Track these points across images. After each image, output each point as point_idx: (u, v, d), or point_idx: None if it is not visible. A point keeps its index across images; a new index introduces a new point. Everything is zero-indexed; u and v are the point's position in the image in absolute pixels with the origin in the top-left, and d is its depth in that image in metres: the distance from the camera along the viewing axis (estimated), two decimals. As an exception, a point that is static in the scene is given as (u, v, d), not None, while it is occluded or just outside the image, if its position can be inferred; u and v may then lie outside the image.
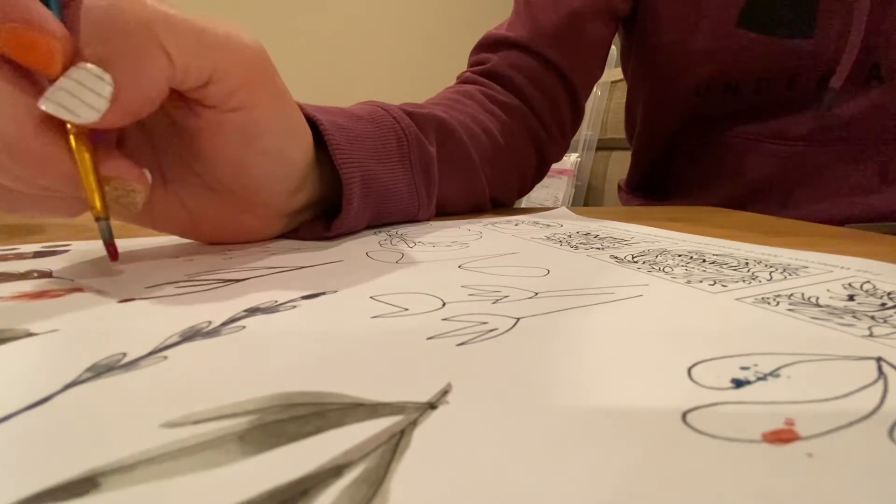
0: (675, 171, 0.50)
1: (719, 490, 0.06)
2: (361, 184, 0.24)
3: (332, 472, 0.07)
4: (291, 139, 0.21)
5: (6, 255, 0.21)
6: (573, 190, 1.51)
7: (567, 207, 0.39)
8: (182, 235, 0.22)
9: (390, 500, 0.06)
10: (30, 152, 0.14)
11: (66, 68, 0.14)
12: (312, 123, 0.23)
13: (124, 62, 0.14)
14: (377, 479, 0.06)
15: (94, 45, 0.14)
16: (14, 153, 0.14)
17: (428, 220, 0.31)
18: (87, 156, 0.15)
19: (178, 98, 0.17)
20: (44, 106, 0.14)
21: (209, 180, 0.20)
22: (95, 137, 0.15)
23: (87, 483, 0.06)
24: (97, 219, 0.16)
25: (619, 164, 1.44)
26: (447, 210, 0.34)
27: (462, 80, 0.43)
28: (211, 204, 0.21)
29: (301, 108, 0.23)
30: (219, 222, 0.22)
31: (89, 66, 0.14)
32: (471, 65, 0.44)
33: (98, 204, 0.15)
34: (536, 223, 0.31)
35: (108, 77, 0.14)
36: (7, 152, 0.14)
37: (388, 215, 0.28)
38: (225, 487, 0.06)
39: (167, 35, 0.15)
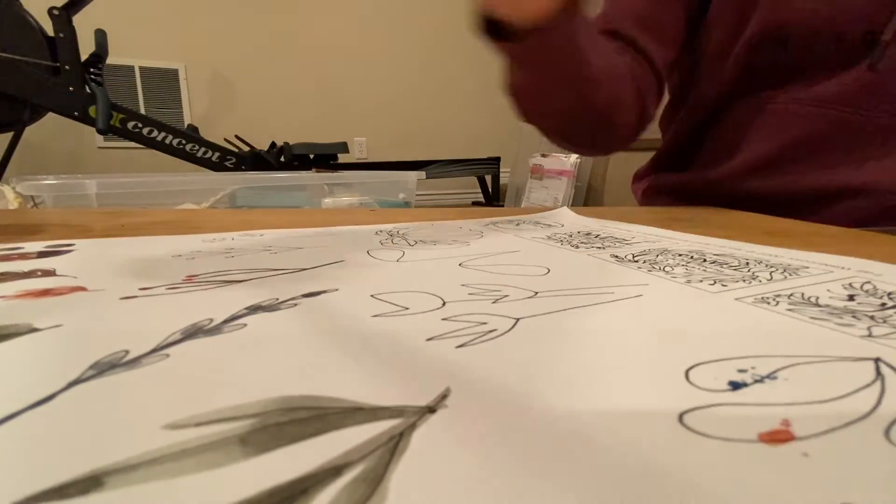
0: (705, 141, 0.51)
1: (715, 489, 0.06)
2: None
3: (332, 471, 0.07)
4: None
5: (10, 254, 0.21)
6: (573, 190, 1.52)
7: (568, 208, 0.39)
8: None
9: (388, 498, 0.06)
10: None
11: None
12: None
13: None
14: (376, 479, 0.06)
15: None
16: None
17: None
18: None
19: None
20: None
21: None
22: None
23: (92, 482, 0.06)
24: None
25: (619, 164, 1.44)
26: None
27: None
28: None
29: None
30: None
31: None
32: None
33: None
34: (538, 223, 0.31)
35: None
36: None
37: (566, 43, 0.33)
38: (226, 486, 0.06)
39: None
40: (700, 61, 0.51)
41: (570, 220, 0.32)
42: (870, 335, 0.12)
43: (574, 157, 1.54)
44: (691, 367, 0.10)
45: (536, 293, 0.15)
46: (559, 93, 0.39)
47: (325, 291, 0.15)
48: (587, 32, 0.36)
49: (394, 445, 0.07)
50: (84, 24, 1.66)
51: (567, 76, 0.37)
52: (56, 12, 1.55)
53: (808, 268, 0.18)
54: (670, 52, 0.47)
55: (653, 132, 0.60)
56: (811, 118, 0.43)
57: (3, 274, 0.17)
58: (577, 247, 0.23)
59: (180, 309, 0.14)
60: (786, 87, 0.44)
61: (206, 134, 2.05)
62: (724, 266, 0.19)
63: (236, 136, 2.10)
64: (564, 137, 0.44)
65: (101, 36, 1.71)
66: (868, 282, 0.16)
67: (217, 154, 1.94)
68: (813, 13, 0.41)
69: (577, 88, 0.38)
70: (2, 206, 0.63)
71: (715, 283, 0.16)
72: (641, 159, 0.61)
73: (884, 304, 0.14)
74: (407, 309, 0.14)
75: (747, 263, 0.19)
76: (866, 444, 0.07)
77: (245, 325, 0.12)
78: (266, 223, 0.31)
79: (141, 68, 2.38)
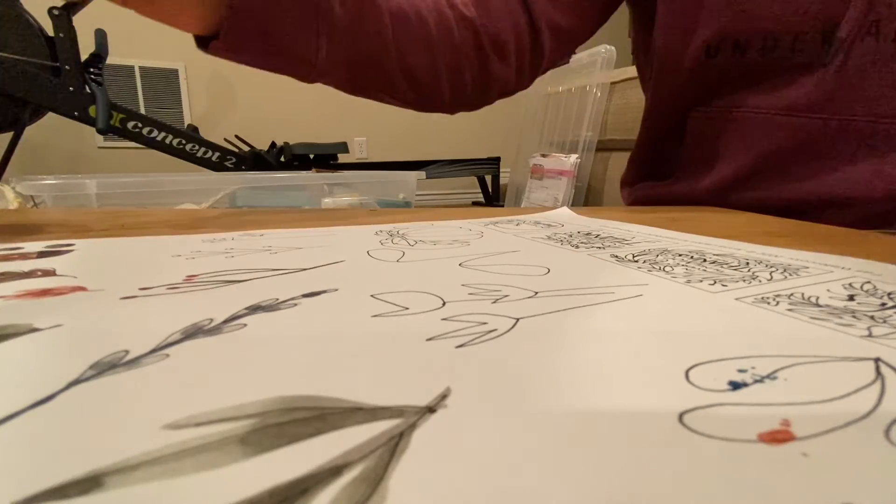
0: (682, 151, 0.50)
1: (715, 489, 0.06)
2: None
3: (332, 471, 0.07)
4: None
5: (10, 254, 0.21)
6: (573, 191, 1.52)
7: (568, 208, 0.39)
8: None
9: (389, 498, 0.06)
10: None
11: None
12: None
13: None
14: (376, 479, 0.06)
15: None
16: None
17: (326, 77, 0.38)
18: None
19: None
20: None
21: None
22: None
23: (91, 482, 0.06)
24: None
25: (619, 165, 1.44)
26: (354, 77, 0.39)
27: None
28: None
29: None
30: None
31: None
32: None
33: None
34: (538, 223, 0.31)
35: None
36: None
37: (279, 48, 0.33)
38: (226, 487, 0.06)
39: None
40: (655, 65, 0.50)
41: (570, 220, 0.32)
42: (870, 335, 0.12)
43: (574, 157, 1.55)
44: (691, 367, 0.10)
45: (536, 293, 0.15)
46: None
47: (325, 291, 0.15)
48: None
49: (394, 445, 0.07)
50: (84, 24, 1.65)
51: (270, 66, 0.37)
52: (56, 12, 1.55)
53: (808, 268, 0.18)
54: (560, 16, 0.45)
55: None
56: (780, 128, 0.42)
57: (2, 274, 0.17)
58: (577, 247, 0.23)
59: (180, 309, 0.14)
60: (749, 94, 0.44)
61: (206, 134, 2.05)
62: (724, 266, 0.19)
63: (236, 136, 2.10)
64: (372, 96, 0.44)
65: (101, 36, 1.70)
66: (868, 282, 0.16)
67: (217, 154, 1.94)
68: (769, 16, 0.40)
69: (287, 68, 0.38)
70: (2, 206, 0.63)
71: (715, 283, 0.16)
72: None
73: (884, 304, 0.14)
74: (407, 309, 0.14)
75: (747, 263, 0.19)
76: (866, 444, 0.07)
77: (245, 325, 0.12)
78: (266, 223, 0.31)
79: (141, 68, 2.38)
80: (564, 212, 0.36)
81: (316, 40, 0.34)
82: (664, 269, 0.18)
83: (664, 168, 0.53)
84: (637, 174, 0.57)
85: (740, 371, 0.10)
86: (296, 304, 0.14)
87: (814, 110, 0.41)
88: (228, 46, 0.32)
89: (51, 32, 1.59)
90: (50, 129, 2.07)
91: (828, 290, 0.15)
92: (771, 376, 0.09)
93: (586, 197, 1.55)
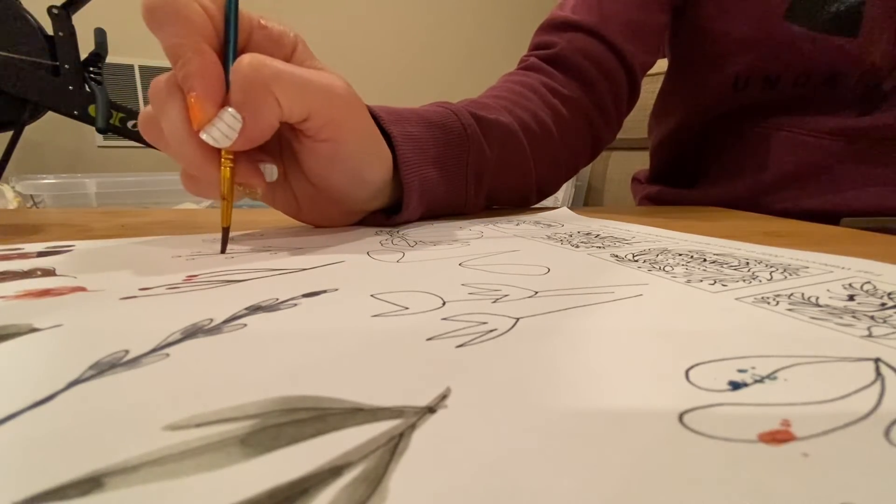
0: (703, 160, 0.51)
1: (715, 489, 0.06)
2: (420, 188, 0.30)
3: (332, 472, 0.07)
4: (368, 165, 0.26)
5: (10, 254, 0.21)
6: (573, 190, 1.51)
7: (567, 208, 0.39)
8: (289, 215, 0.29)
9: (388, 498, 0.06)
10: (196, 164, 0.21)
11: (221, 107, 0.21)
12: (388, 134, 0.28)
13: (250, 108, 0.21)
14: (376, 479, 0.06)
15: (236, 95, 0.21)
16: (188, 164, 0.22)
17: (473, 213, 0.36)
18: (227, 172, 0.22)
19: (291, 128, 0.24)
20: (201, 135, 0.21)
21: (310, 182, 0.27)
22: (237, 152, 0.22)
23: (92, 483, 0.06)
24: (224, 227, 0.22)
25: (619, 164, 1.44)
26: (495, 204, 0.39)
27: (526, 66, 0.44)
28: (311, 197, 0.28)
29: (379, 118, 0.28)
30: (315, 210, 0.29)
31: (231, 110, 0.21)
32: (534, 46, 0.45)
33: (226, 215, 0.22)
34: (538, 223, 0.31)
35: (239, 117, 0.21)
36: (185, 163, 0.22)
37: (439, 210, 0.33)
38: (226, 487, 0.06)
39: (278, 89, 0.21)
40: (685, 85, 0.50)
41: (570, 220, 0.32)
42: (870, 335, 0.12)
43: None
44: (691, 367, 0.10)
45: (536, 293, 0.15)
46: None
47: (325, 291, 0.15)
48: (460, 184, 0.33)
49: (394, 446, 0.07)
50: (84, 24, 1.65)
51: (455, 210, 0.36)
52: (56, 11, 1.55)
53: (808, 268, 0.18)
54: (651, 57, 0.47)
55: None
56: (806, 147, 0.43)
57: (3, 273, 0.17)
58: (577, 246, 0.23)
59: (180, 309, 0.14)
60: (776, 116, 0.44)
61: (205, 133, 2.04)
62: (724, 266, 0.19)
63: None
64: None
65: (100, 35, 1.70)
66: (868, 282, 0.16)
67: (217, 153, 1.93)
68: (804, 54, 0.40)
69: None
70: (1, 205, 0.63)
71: (715, 282, 0.16)
72: (641, 158, 0.61)
73: (884, 304, 0.14)
74: (407, 309, 0.14)
75: (747, 263, 0.19)
76: (866, 444, 0.07)
77: (245, 325, 0.12)
78: (266, 223, 0.31)
79: (141, 67, 2.37)
80: (564, 212, 0.36)
81: (465, 195, 0.34)
82: (664, 269, 0.18)
83: (685, 174, 0.53)
84: (655, 175, 0.57)
85: (740, 371, 0.10)
86: (296, 304, 0.14)
87: (843, 135, 0.41)
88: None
89: (50, 32, 1.59)
90: (49, 128, 2.07)
91: (828, 290, 0.15)
92: (771, 376, 0.09)
93: (586, 197, 1.55)
